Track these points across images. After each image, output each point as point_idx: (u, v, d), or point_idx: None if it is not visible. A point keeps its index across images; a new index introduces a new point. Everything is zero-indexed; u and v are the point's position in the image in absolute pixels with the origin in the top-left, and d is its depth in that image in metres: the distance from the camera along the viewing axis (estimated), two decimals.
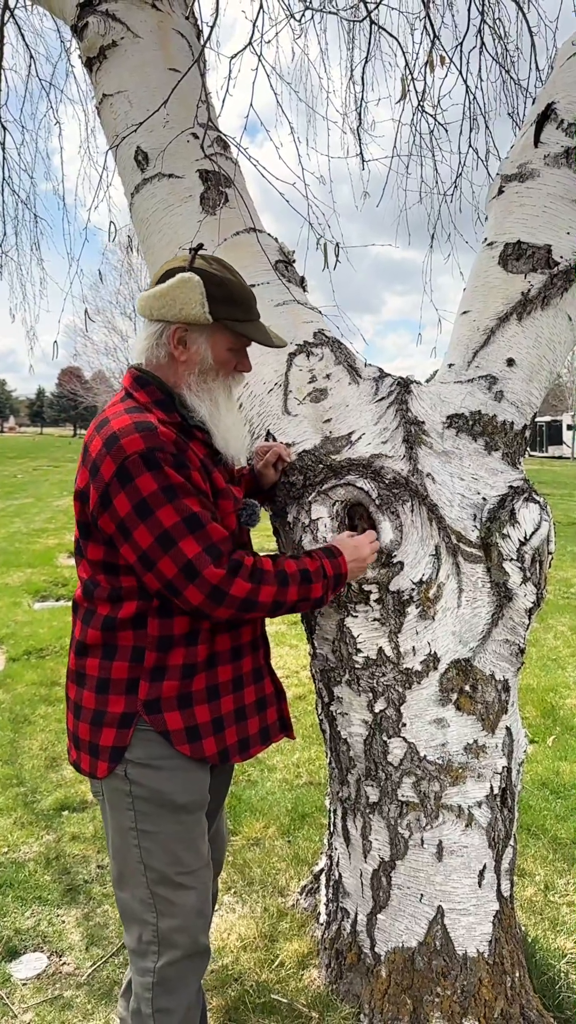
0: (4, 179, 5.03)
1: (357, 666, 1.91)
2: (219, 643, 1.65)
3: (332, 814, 2.15)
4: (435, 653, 1.90)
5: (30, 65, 4.92)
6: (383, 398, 2.08)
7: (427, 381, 2.26)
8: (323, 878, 2.29)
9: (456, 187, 3.34)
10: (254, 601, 1.52)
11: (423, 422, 2.04)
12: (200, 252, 1.63)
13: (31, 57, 4.92)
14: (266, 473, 1.98)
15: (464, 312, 2.21)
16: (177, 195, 2.43)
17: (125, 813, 1.58)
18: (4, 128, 4.96)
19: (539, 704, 4.53)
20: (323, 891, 2.26)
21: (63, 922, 2.55)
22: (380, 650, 1.89)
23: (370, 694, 1.91)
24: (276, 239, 2.47)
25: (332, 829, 2.16)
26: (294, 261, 2.44)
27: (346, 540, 1.80)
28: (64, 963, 2.37)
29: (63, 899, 2.67)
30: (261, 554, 1.67)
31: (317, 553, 1.70)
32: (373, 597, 1.87)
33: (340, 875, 2.11)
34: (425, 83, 3.53)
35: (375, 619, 1.88)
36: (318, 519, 1.92)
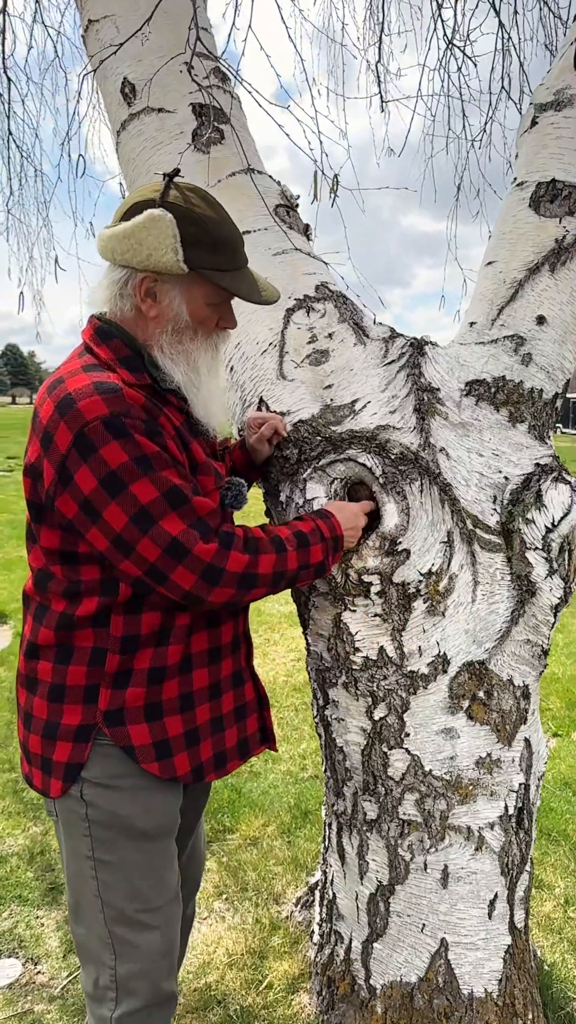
0: (9, 133, 4.78)
1: (355, 667, 1.67)
2: (195, 643, 1.43)
3: (327, 827, 1.93)
4: (445, 654, 1.66)
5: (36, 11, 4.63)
6: (392, 361, 1.82)
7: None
8: (317, 893, 2.08)
9: (485, 131, 3.02)
10: (254, 574, 1.32)
11: (438, 389, 1.78)
12: (176, 181, 1.38)
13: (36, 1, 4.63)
14: (260, 449, 1.73)
15: (488, 263, 1.93)
16: (167, 131, 2.16)
17: (81, 839, 1.37)
18: (9, 79, 4.70)
19: (563, 695, 4.27)
20: (317, 908, 2.05)
21: (42, 925, 2.38)
22: (381, 650, 1.65)
23: (369, 699, 1.67)
24: (278, 182, 2.20)
25: (327, 843, 1.95)
26: (296, 206, 2.17)
27: (334, 503, 1.59)
28: (39, 972, 2.19)
29: (44, 899, 2.50)
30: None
31: (307, 516, 1.50)
32: (374, 590, 1.63)
33: (334, 895, 1.90)
34: (455, 15, 3.18)
35: (376, 614, 1.64)
36: (314, 499, 1.67)
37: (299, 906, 2.35)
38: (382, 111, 2.99)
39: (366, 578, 1.62)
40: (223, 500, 1.46)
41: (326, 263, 2.07)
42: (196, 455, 1.39)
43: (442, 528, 1.66)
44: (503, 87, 3.16)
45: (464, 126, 2.94)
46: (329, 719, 1.76)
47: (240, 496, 1.48)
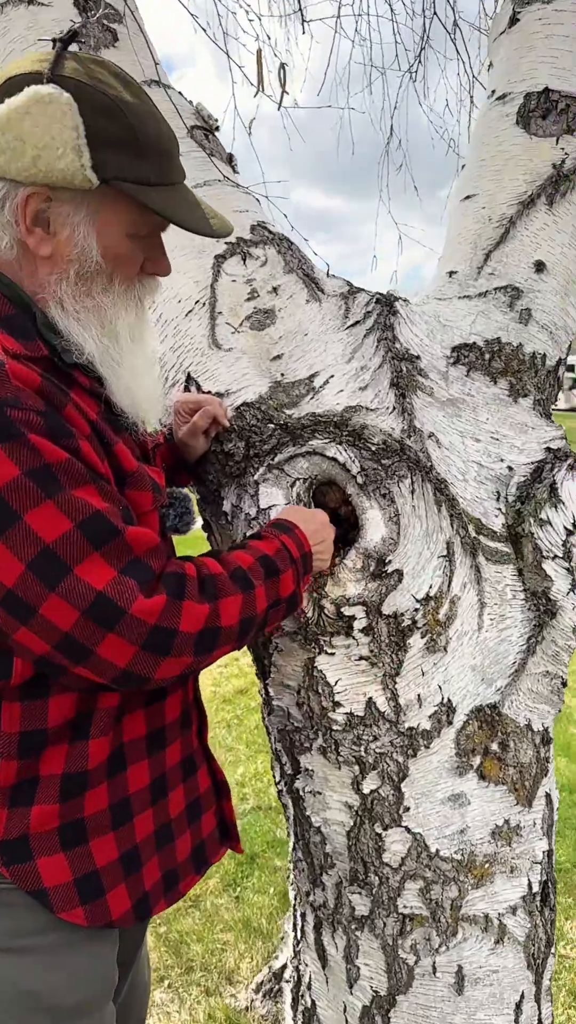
0: None
1: (335, 727, 1.26)
2: (129, 729, 1.00)
3: (300, 918, 1.53)
4: (449, 701, 1.28)
5: None
6: (357, 322, 1.40)
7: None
8: (287, 989, 1.68)
9: (420, 61, 2.62)
10: (216, 629, 0.90)
11: (418, 357, 1.38)
12: (73, 50, 0.91)
13: None
14: (192, 444, 1.29)
15: (466, 197, 1.54)
16: (40, 29, 1.65)
17: None
18: None
19: None
20: (288, 1012, 1.65)
21: None
22: (370, 703, 1.25)
23: (356, 767, 1.27)
24: (191, 101, 1.73)
25: (300, 936, 1.54)
26: (217, 129, 1.71)
27: (292, 509, 1.18)
28: None
29: None
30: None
31: (267, 531, 1.08)
32: (358, 625, 1.22)
33: (313, 1003, 1.50)
34: None
35: (362, 657, 1.24)
36: (271, 507, 1.25)
37: (260, 994, 1.95)
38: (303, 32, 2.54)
39: (347, 610, 1.22)
40: (163, 521, 1.02)
41: (260, 198, 1.63)
42: (123, 461, 0.94)
43: (439, 538, 1.27)
44: None
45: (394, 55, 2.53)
46: (301, 792, 1.35)
47: (188, 515, 1.04)
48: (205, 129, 1.66)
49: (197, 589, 0.88)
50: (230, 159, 1.72)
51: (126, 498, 0.91)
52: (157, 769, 1.04)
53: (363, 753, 1.26)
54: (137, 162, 0.89)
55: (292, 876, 1.54)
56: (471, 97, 2.68)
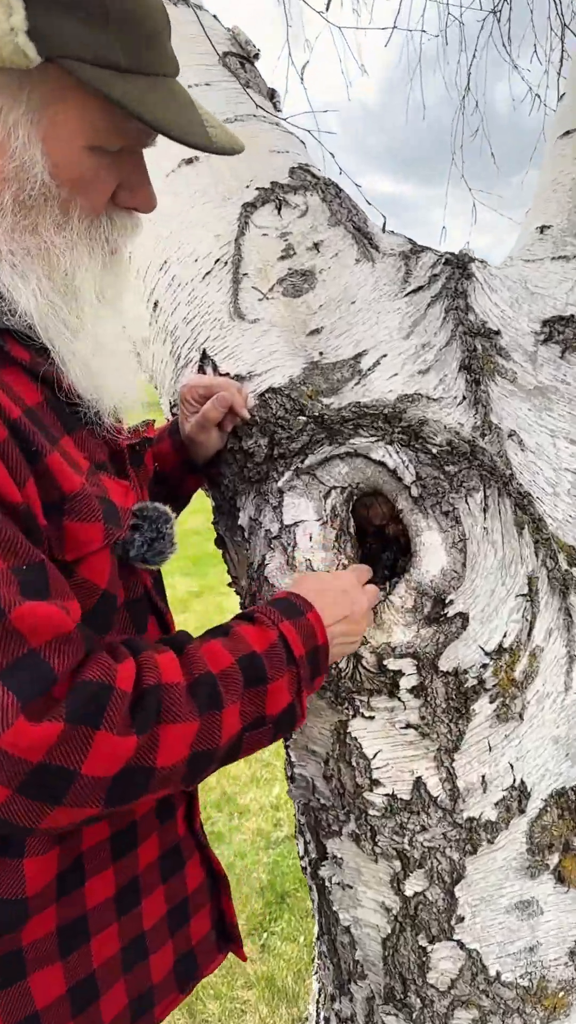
0: None
1: (373, 812, 0.97)
2: (88, 834, 0.74)
3: (323, 1023, 1.25)
4: (522, 783, 0.98)
5: None
6: (420, 288, 1.10)
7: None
8: None
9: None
10: (147, 770, 0.63)
11: (497, 332, 1.07)
12: None
13: None
14: (203, 440, 1.02)
15: (566, 133, 1.21)
16: None
17: None
18: None
19: None
20: None
21: None
22: (419, 784, 0.96)
23: (397, 862, 0.99)
24: (227, 27, 1.45)
25: None
26: (256, 57, 1.41)
27: (315, 577, 0.87)
28: None
29: None
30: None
31: (265, 613, 0.77)
32: (406, 684, 0.93)
33: None
34: None
35: (409, 725, 0.95)
36: (297, 524, 0.96)
37: None
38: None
39: (391, 663, 0.92)
40: (125, 551, 0.74)
41: (302, 142, 1.34)
42: (60, 478, 0.65)
43: (519, 571, 0.96)
44: None
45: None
46: (327, 883, 1.07)
47: (161, 540, 0.76)
48: (241, 57, 1.37)
49: (125, 710, 0.59)
50: (271, 95, 1.43)
51: (63, 532, 0.64)
52: (126, 874, 0.78)
53: (407, 846, 0.97)
54: (101, 35, 0.61)
55: (316, 964, 1.27)
56: (562, 41, 2.31)
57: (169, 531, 0.75)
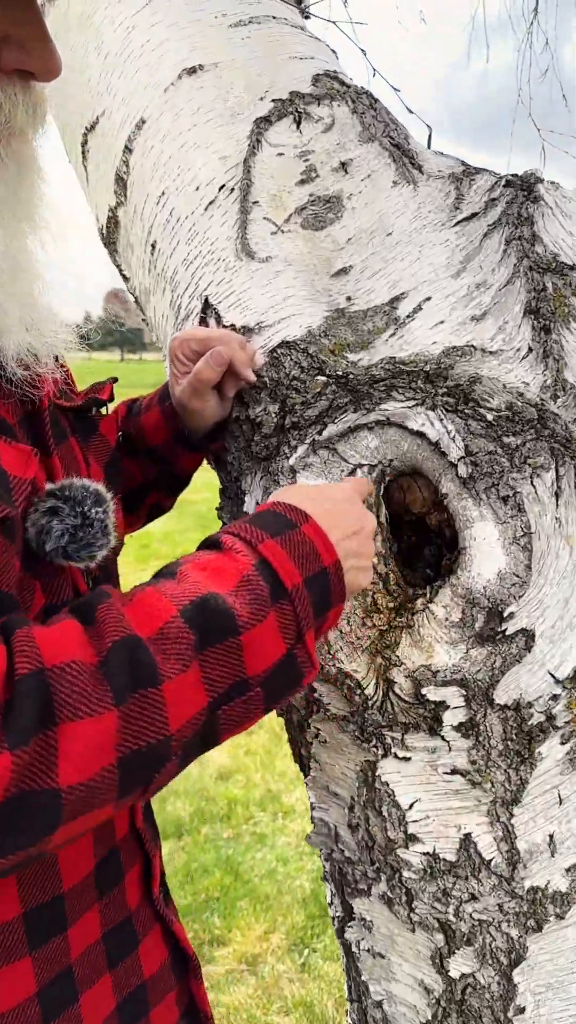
0: None
1: (408, 873, 0.77)
2: (3, 905, 0.56)
3: None
4: None
5: None
6: (475, 215, 0.88)
7: None
8: None
9: None
10: (46, 794, 0.42)
11: (573, 267, 0.84)
12: None
13: None
14: (196, 408, 0.82)
15: None
16: None
17: None
18: None
19: None
20: None
21: None
22: (467, 843, 0.75)
23: (439, 935, 0.79)
24: None
25: None
26: None
27: (304, 486, 0.69)
28: None
29: None
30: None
31: (239, 533, 0.55)
32: (451, 719, 0.72)
33: None
34: None
35: (456, 771, 0.74)
36: None
37: None
38: None
39: (432, 692, 0.72)
40: (42, 543, 0.55)
41: (330, 47, 1.11)
42: None
43: None
44: None
45: None
46: (354, 947, 0.88)
47: (89, 529, 0.56)
48: None
49: (37, 697, 0.40)
50: (299, 2, 1.20)
51: None
52: (50, 967, 0.60)
53: (451, 917, 0.77)
54: None
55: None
56: None
57: (100, 516, 0.55)
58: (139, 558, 5.31)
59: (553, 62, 2.73)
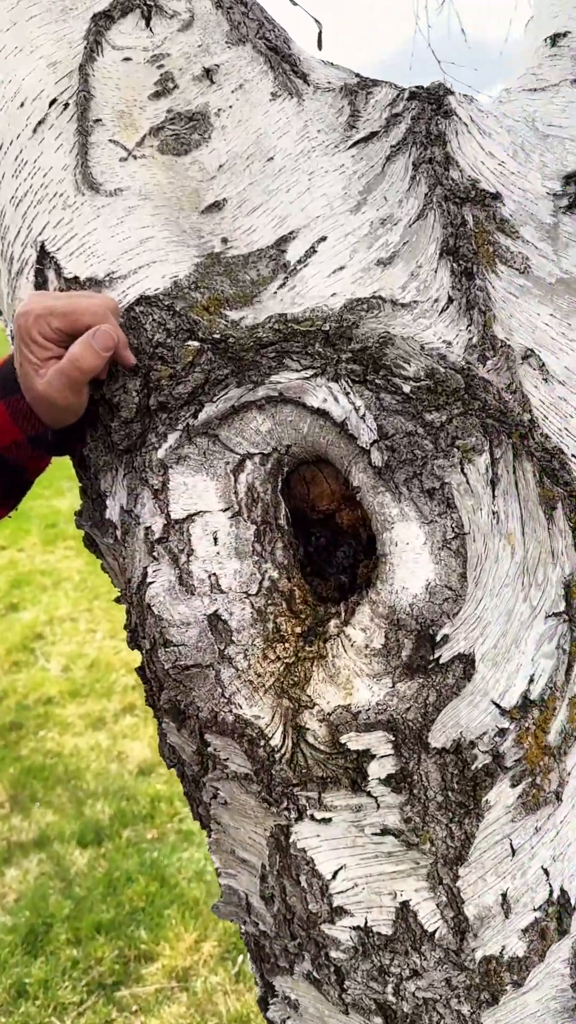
0: None
1: (337, 952, 0.63)
2: None
3: None
4: (562, 893, 0.64)
5: None
6: (373, 135, 0.71)
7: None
8: None
9: None
10: None
11: (496, 195, 0.69)
12: None
13: None
14: (71, 403, 0.62)
15: None
16: None
17: None
18: None
19: None
20: None
21: None
22: (405, 911, 0.61)
23: (379, 1018, 0.65)
24: None
25: None
26: None
27: None
28: None
29: None
30: None
31: None
32: (378, 770, 0.57)
33: None
34: None
35: (387, 831, 0.60)
36: (191, 517, 0.59)
37: None
38: None
39: (353, 740, 0.57)
40: None
41: None
42: None
43: (551, 577, 0.60)
44: None
45: None
46: None
47: None
48: None
49: None
50: None
51: None
52: None
53: (390, 997, 0.64)
54: None
55: None
56: None
57: None
58: (45, 540, 5.01)
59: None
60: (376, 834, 0.60)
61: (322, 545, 0.68)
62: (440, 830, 0.60)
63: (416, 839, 0.59)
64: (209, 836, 0.69)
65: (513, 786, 0.60)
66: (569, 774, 0.64)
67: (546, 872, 0.64)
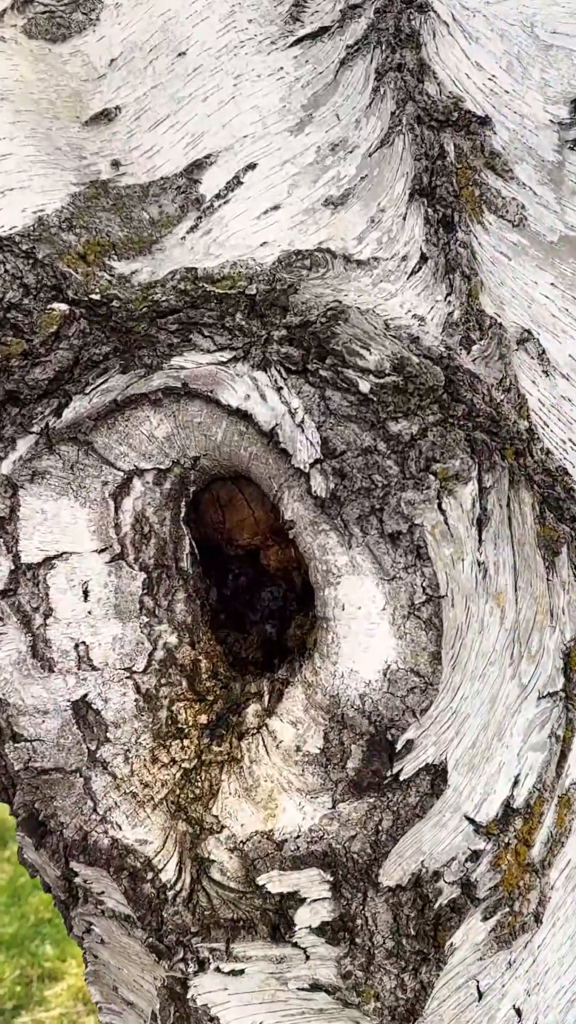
0: None
1: None
2: None
3: None
4: None
5: None
6: (324, 30, 0.52)
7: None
8: None
9: None
10: None
11: (484, 120, 0.51)
12: None
13: None
14: None
15: None
16: None
17: None
18: None
19: None
20: None
21: None
22: None
23: None
24: None
25: None
26: None
27: None
28: None
29: None
30: None
31: None
32: (308, 920, 0.41)
33: None
34: None
35: (317, 987, 0.44)
36: (52, 560, 0.41)
37: None
38: None
39: (274, 881, 0.40)
40: None
41: None
42: None
43: (546, 644, 0.44)
44: None
45: None
46: None
47: None
48: None
49: None
50: None
51: None
52: None
53: None
54: None
55: None
56: None
57: None
58: None
59: None
60: (303, 989, 0.44)
61: (242, 585, 0.51)
62: (389, 981, 0.44)
63: (357, 997, 0.44)
64: (86, 966, 0.52)
65: (485, 919, 0.45)
66: (552, 887, 0.50)
67: (518, 1012, 0.49)
